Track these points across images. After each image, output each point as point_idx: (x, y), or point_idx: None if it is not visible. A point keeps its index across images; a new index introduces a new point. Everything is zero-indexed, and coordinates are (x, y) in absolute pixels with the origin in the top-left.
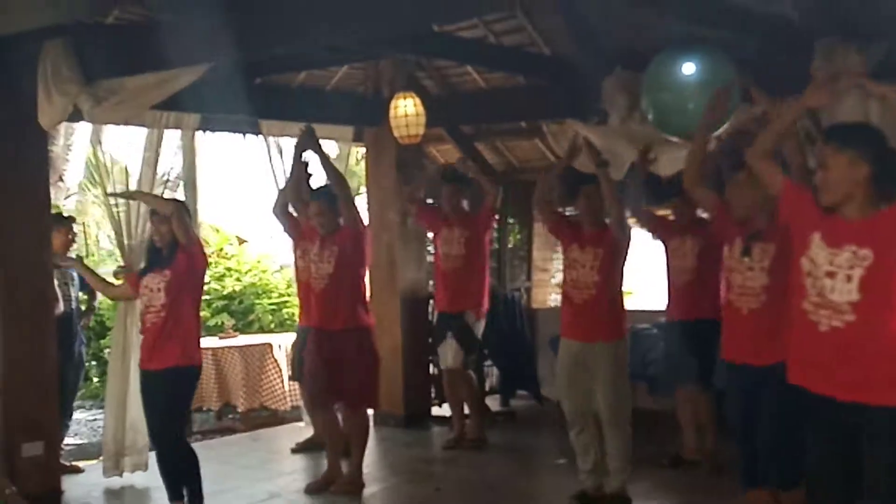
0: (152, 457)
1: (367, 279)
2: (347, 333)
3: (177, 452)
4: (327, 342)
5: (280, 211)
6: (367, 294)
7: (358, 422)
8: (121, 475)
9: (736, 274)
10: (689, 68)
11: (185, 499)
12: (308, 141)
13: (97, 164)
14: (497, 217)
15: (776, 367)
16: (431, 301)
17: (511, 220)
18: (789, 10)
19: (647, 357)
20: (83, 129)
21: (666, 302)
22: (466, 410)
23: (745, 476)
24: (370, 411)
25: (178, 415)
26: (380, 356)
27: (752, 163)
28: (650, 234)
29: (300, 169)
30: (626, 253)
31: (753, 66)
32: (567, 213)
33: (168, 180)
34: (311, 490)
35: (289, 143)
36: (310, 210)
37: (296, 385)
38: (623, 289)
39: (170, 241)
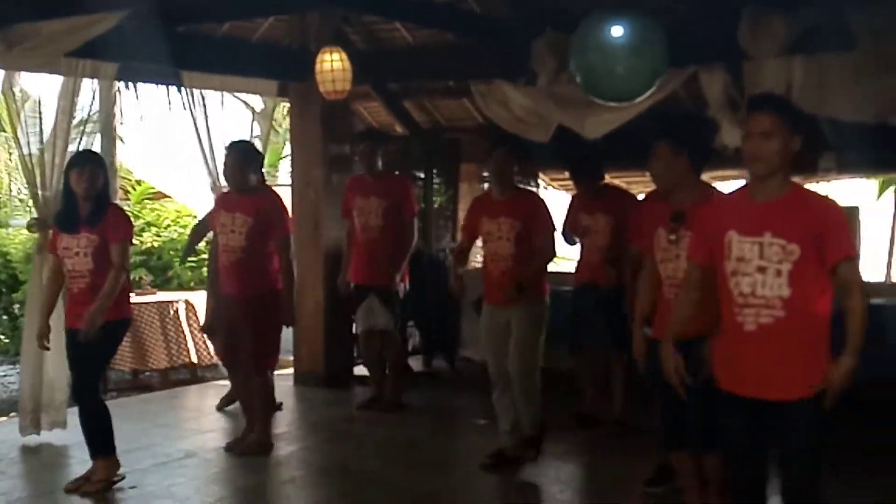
0: (70, 413)
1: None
2: (254, 301)
3: (99, 406)
4: (235, 308)
5: None
6: (278, 259)
7: (258, 386)
8: (38, 433)
9: (666, 263)
10: (617, 31)
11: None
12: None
13: (8, 110)
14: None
15: (699, 341)
16: None
17: (437, 181)
18: None
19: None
20: None
21: (575, 268)
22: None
23: (668, 438)
24: (287, 371)
25: (103, 368)
26: (279, 321)
27: (693, 301)
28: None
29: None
30: (542, 221)
31: (680, 30)
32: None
33: (84, 129)
34: (229, 448)
35: (211, 96)
36: (225, 162)
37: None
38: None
39: (97, 196)
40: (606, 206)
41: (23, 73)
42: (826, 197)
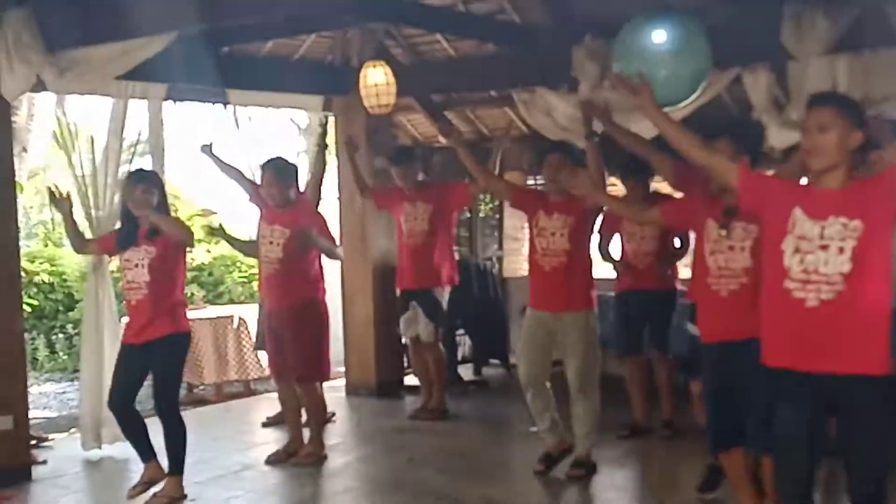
0: None
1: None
2: (293, 311)
3: (171, 421)
4: (276, 320)
5: (237, 178)
6: (320, 266)
7: (309, 395)
8: (100, 447)
9: (717, 255)
10: (659, 36)
11: (168, 466)
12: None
13: (62, 134)
14: (474, 203)
15: (751, 341)
16: None
17: None
18: None
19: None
20: (46, 99)
21: (616, 275)
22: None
23: (717, 439)
24: (339, 383)
25: (175, 383)
26: (327, 328)
27: (698, 159)
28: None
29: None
30: (595, 222)
31: (722, 32)
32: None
33: (135, 151)
34: (270, 461)
35: (256, 113)
36: (262, 181)
37: (264, 355)
38: (591, 261)
39: (154, 212)
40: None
41: (72, 105)
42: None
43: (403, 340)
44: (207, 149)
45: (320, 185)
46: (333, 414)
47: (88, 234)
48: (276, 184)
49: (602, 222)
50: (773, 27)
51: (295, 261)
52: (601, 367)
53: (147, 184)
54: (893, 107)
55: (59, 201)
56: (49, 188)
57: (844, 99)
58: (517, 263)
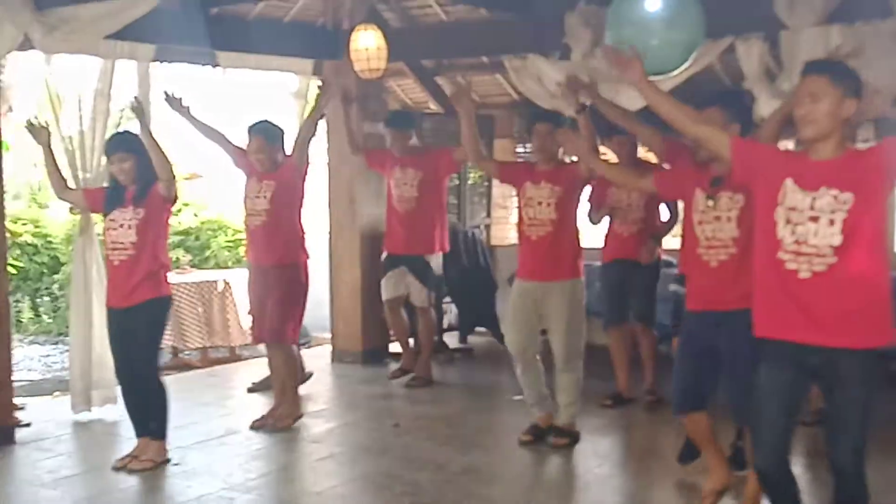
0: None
1: (302, 218)
2: (278, 270)
3: (151, 386)
4: (261, 277)
5: (219, 141)
6: (303, 232)
7: (281, 356)
8: (90, 410)
9: (704, 225)
10: (652, 4)
11: (150, 432)
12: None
13: (49, 95)
14: (459, 169)
15: (742, 312)
16: None
17: None
18: None
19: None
20: (33, 58)
21: (604, 244)
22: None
23: (683, 401)
24: (325, 349)
25: (157, 347)
26: (306, 291)
27: (689, 132)
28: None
29: (191, 120)
30: (581, 192)
31: (715, 1)
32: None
33: (123, 113)
34: (255, 426)
35: (247, 75)
36: (249, 146)
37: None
38: (578, 228)
39: (136, 178)
40: None
41: (59, 66)
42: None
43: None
44: (177, 104)
45: (307, 148)
46: (311, 374)
47: None
48: (264, 149)
49: (591, 191)
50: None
51: (281, 213)
52: (587, 338)
53: (122, 152)
54: (883, 77)
55: (37, 130)
56: (28, 119)
57: (839, 67)
58: (505, 231)
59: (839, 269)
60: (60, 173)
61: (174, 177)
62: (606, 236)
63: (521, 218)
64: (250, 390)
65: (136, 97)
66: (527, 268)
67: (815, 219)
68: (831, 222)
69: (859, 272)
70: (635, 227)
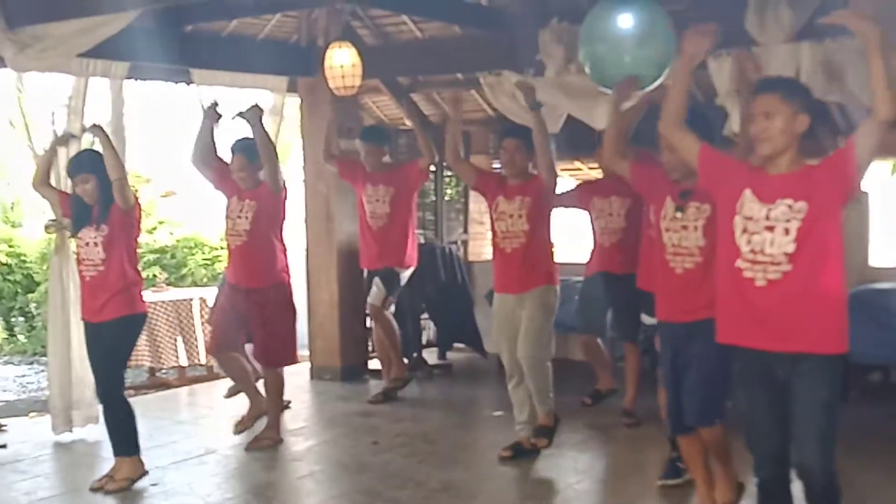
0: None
1: (284, 237)
2: (261, 292)
3: (114, 402)
4: (241, 298)
5: (199, 161)
6: (284, 251)
7: (272, 379)
8: (71, 430)
9: (671, 233)
10: (625, 21)
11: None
12: (253, 117)
13: (21, 113)
14: (428, 178)
15: (706, 322)
16: None
17: (447, 174)
18: None
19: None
20: (4, 76)
21: (589, 258)
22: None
23: (674, 425)
24: (303, 367)
25: (122, 364)
26: (295, 311)
27: (665, 132)
28: (572, 203)
29: (209, 133)
30: (552, 201)
31: (687, 17)
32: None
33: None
34: (239, 430)
35: (220, 93)
36: (231, 164)
37: None
38: (552, 239)
39: (99, 197)
40: (619, 188)
41: (34, 74)
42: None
43: (369, 323)
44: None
45: (277, 173)
46: (289, 402)
47: (50, 214)
48: (246, 167)
49: (573, 193)
50: (737, 14)
51: (262, 234)
52: (565, 353)
53: (84, 173)
54: (852, 94)
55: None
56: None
57: (790, 84)
58: (482, 247)
59: (793, 276)
60: (50, 168)
61: (125, 177)
62: (592, 250)
63: (494, 231)
64: (227, 396)
65: (94, 124)
66: (501, 281)
67: (770, 228)
68: (786, 231)
69: (813, 280)
70: (616, 238)
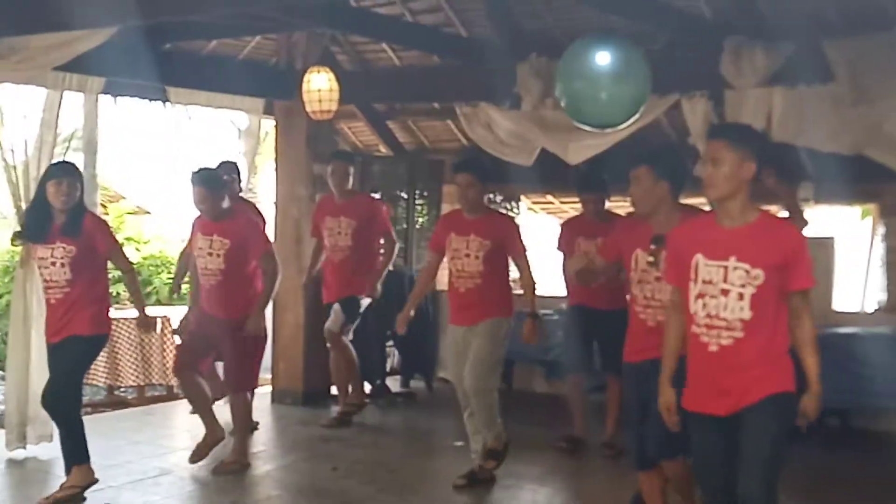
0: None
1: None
2: (235, 321)
3: (72, 417)
4: (214, 324)
5: None
6: (259, 277)
7: (238, 403)
8: (25, 447)
9: (644, 285)
10: (602, 58)
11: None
12: None
13: None
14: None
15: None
16: None
17: (419, 202)
18: (703, 6)
19: (546, 342)
20: None
21: (566, 290)
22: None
23: (638, 459)
24: (265, 390)
25: (81, 381)
26: (264, 339)
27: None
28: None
29: None
30: (515, 242)
31: (663, 59)
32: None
33: (69, 144)
34: (193, 458)
35: (197, 112)
36: (193, 196)
37: None
38: (509, 274)
39: (73, 207)
40: (608, 231)
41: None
42: (791, 226)
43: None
44: None
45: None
46: (257, 424)
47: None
48: (207, 199)
49: (559, 238)
50: (712, 57)
51: (237, 271)
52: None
53: (71, 177)
54: (822, 140)
55: None
56: None
57: (738, 130)
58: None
59: (745, 342)
60: None
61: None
62: (570, 285)
63: (449, 269)
64: (192, 412)
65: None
66: (455, 315)
67: (725, 292)
68: (740, 296)
69: (764, 344)
70: (601, 279)
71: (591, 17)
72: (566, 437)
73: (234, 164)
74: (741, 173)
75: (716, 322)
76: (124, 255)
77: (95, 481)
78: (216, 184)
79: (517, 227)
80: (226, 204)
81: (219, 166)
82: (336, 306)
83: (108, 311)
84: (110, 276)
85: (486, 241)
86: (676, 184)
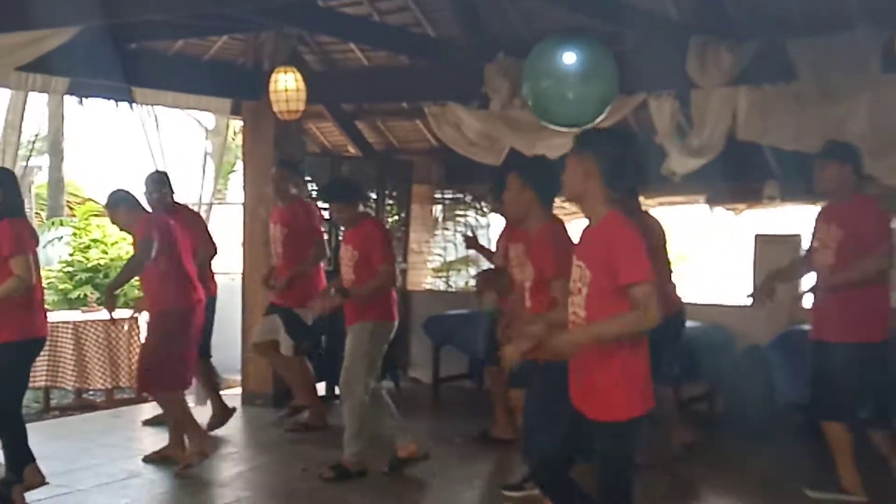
0: None
1: (185, 262)
2: (150, 319)
3: (20, 424)
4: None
5: None
6: (185, 277)
7: (161, 402)
8: None
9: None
10: (569, 58)
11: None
12: None
13: None
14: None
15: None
16: None
17: (389, 202)
18: (670, 6)
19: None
20: None
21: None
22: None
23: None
24: (235, 391)
25: (18, 391)
26: (179, 338)
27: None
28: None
29: None
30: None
31: (630, 58)
32: None
33: (34, 146)
34: (148, 459)
35: (162, 112)
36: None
37: None
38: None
39: None
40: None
41: None
42: (618, 223)
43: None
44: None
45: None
46: (234, 408)
47: None
48: (120, 220)
49: (498, 239)
50: (679, 57)
51: (150, 267)
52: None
53: None
54: (786, 138)
55: None
56: None
57: (586, 137)
58: (421, 276)
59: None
60: None
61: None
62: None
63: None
64: (145, 423)
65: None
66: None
67: (579, 290)
68: (580, 292)
69: (601, 346)
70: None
71: (558, 17)
72: (483, 433)
73: (164, 174)
74: (586, 177)
75: (573, 318)
76: (22, 266)
77: (45, 482)
78: (120, 202)
79: (379, 230)
80: (137, 216)
81: (146, 179)
82: (282, 332)
83: (42, 315)
84: (76, 278)
85: (355, 251)
86: (543, 193)
